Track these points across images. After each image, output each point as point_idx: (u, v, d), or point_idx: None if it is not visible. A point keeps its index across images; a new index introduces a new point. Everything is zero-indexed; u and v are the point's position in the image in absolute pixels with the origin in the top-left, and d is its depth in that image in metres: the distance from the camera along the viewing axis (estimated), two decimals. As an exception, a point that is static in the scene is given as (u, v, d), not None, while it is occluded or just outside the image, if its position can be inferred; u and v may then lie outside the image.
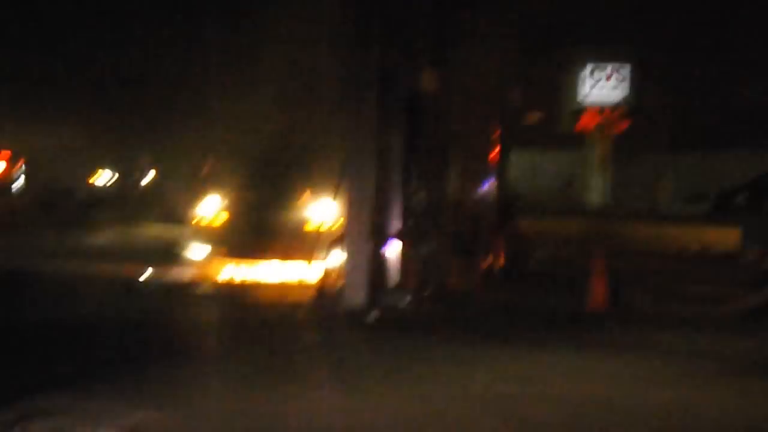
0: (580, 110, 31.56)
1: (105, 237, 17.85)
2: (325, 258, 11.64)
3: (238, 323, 10.24)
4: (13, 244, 16.54)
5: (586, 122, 31.34)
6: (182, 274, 13.40)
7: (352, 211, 11.21)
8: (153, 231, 18.06)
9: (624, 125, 31.23)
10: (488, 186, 14.92)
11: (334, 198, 11.92)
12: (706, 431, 6.49)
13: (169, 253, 14.21)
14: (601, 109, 31.42)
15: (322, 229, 12.16)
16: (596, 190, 31.18)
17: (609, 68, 31.90)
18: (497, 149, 15.12)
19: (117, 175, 31.93)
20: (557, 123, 32.46)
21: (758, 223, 8.90)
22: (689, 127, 32.84)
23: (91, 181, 30.45)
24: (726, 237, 18.06)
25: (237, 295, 12.22)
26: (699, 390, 7.59)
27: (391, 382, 7.64)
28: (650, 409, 7.00)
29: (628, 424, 6.63)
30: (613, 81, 31.79)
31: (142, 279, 13.34)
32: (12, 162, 31.09)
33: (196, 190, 14.06)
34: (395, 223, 11.60)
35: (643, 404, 7.15)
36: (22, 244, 16.60)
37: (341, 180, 11.45)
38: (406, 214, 11.69)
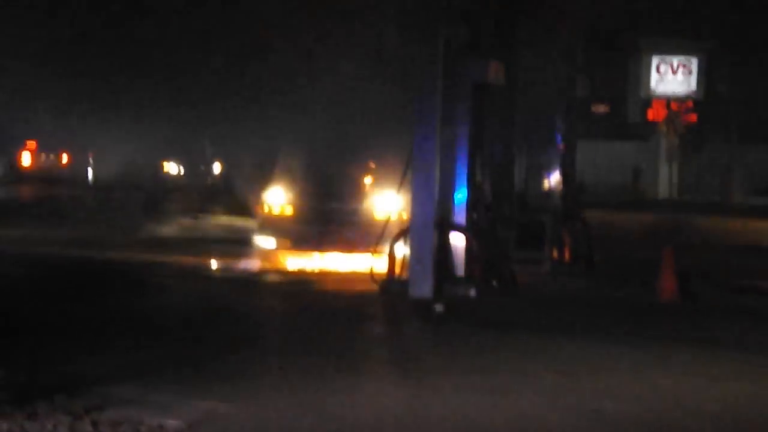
0: (647, 102, 31.13)
1: (174, 228, 18.09)
2: (390, 249, 11.64)
3: (305, 314, 10.29)
4: (85, 235, 16.84)
5: (654, 114, 30.90)
6: (250, 264, 13.52)
7: (417, 202, 11.19)
8: (221, 222, 18.26)
9: (691, 118, 30.72)
10: (553, 179, 14.79)
11: (399, 189, 11.91)
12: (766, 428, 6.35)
13: (237, 244, 14.36)
14: (668, 102, 30.95)
15: (387, 221, 12.15)
16: (664, 182, 30.75)
17: (676, 61, 31.39)
18: (562, 141, 14.98)
19: (183, 167, 32.32)
20: (624, 115, 32.07)
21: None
22: (759, 119, 32.20)
23: (159, 173, 30.87)
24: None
25: (303, 285, 12.28)
26: (760, 385, 7.44)
27: (459, 375, 7.61)
28: (717, 404, 6.88)
29: (695, 418, 6.52)
30: (680, 74, 31.28)
31: (211, 269, 13.49)
32: (79, 154, 31.62)
33: (262, 181, 14.17)
34: (460, 215, 11.55)
35: (710, 399, 7.02)
36: (92, 235, 16.89)
37: (406, 171, 11.43)
38: (472, 206, 11.63)
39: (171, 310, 10.04)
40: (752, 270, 14.87)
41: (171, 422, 6.12)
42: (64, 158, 33.73)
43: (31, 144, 33.11)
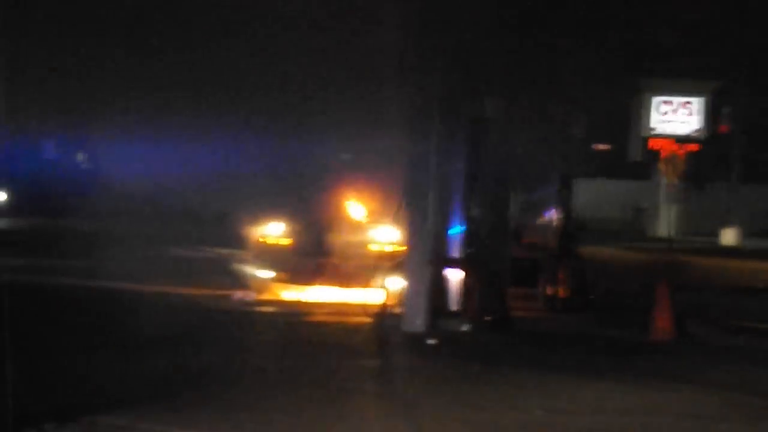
0: (648, 140, 31.25)
1: (168, 257, 18.08)
2: (385, 282, 11.67)
3: (298, 346, 10.30)
4: (70, 264, 16.76)
5: (656, 150, 30.99)
6: (245, 295, 13.54)
7: (413, 236, 11.24)
8: (215, 253, 18.28)
9: (693, 147, 30.72)
10: (551, 215, 14.83)
11: (395, 223, 11.96)
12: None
13: (231, 275, 14.37)
14: (671, 141, 31.05)
15: (382, 254, 12.20)
16: (663, 221, 30.79)
17: (677, 100, 31.55)
18: (561, 178, 15.03)
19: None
20: (625, 152, 32.16)
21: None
22: (761, 160, 32.28)
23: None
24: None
25: (298, 317, 12.30)
26: (751, 426, 7.42)
27: (448, 409, 7.61)
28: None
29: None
30: (680, 113, 31.43)
31: (204, 300, 13.50)
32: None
33: (257, 214, 14.22)
34: (456, 249, 11.59)
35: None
36: (79, 264, 16.81)
37: (401, 205, 11.49)
38: (467, 241, 11.67)
39: (163, 341, 10.04)
40: (748, 311, 14.85)
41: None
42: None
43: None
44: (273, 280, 13.91)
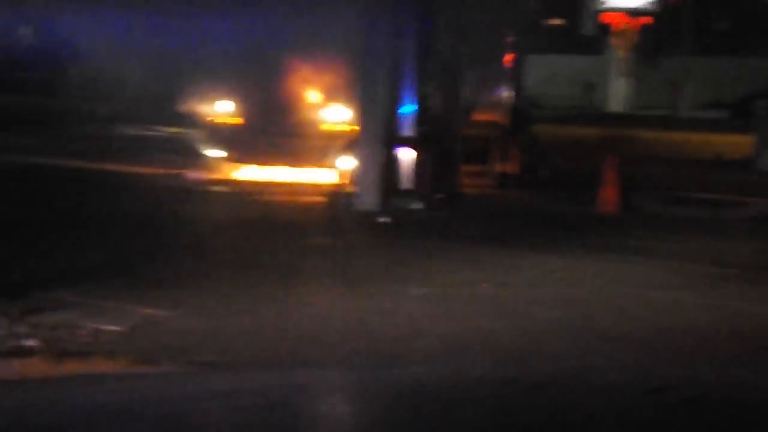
0: (600, 13, 31.12)
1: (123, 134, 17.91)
2: (338, 162, 11.72)
3: (250, 224, 10.38)
4: (17, 141, 16.51)
5: (609, 24, 30.91)
6: (197, 174, 13.53)
7: (365, 115, 11.24)
8: (168, 132, 18.13)
9: (647, 20, 30.72)
10: (503, 92, 14.87)
11: (347, 102, 11.94)
12: (698, 331, 6.60)
13: (183, 154, 14.32)
14: (623, 14, 30.94)
15: (334, 133, 12.20)
16: (616, 96, 30.94)
17: (631, -28, 31.30)
18: (512, 55, 15.01)
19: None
20: (577, 27, 32.06)
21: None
22: (713, 33, 32.35)
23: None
24: (743, 144, 17.99)
25: (250, 196, 12.35)
26: (696, 292, 7.70)
27: (401, 284, 7.78)
28: (648, 311, 7.13)
29: (624, 324, 6.76)
30: (635, -15, 31.22)
31: (158, 179, 13.49)
32: None
33: (210, 92, 14.08)
34: (408, 128, 11.63)
35: (641, 306, 7.27)
36: (28, 142, 16.59)
37: (354, 84, 11.45)
38: (419, 119, 11.71)
39: (115, 219, 10.07)
40: (694, 181, 15.18)
41: (110, 327, 6.22)
42: None
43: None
44: (224, 159, 13.90)
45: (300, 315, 6.78)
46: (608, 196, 11.76)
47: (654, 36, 30.58)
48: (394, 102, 11.39)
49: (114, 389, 4.47)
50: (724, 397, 3.67)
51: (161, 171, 14.01)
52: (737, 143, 18.59)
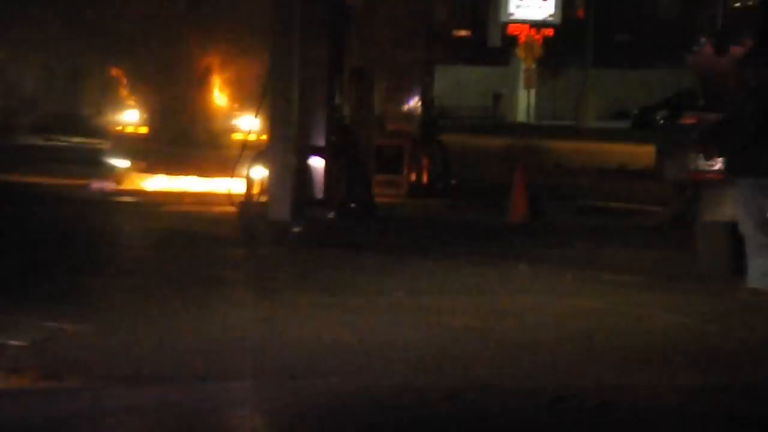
0: (506, 25, 31.61)
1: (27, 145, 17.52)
2: (248, 172, 11.64)
3: (160, 236, 10.23)
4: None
5: (515, 35, 31.42)
6: (103, 185, 13.30)
7: (276, 125, 11.19)
8: (73, 142, 17.81)
9: (548, 32, 31.29)
10: (412, 103, 14.99)
11: (258, 112, 11.87)
12: (603, 337, 6.74)
13: (90, 164, 14.08)
14: (528, 26, 31.50)
15: (245, 143, 12.11)
16: (521, 106, 31.47)
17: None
18: (422, 66, 15.15)
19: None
20: (485, 39, 32.52)
21: (674, 140, 9.16)
22: (614, 44, 33.16)
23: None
24: (645, 154, 18.47)
25: (159, 207, 12.18)
26: (601, 299, 7.87)
27: (314, 294, 7.76)
28: (555, 318, 7.25)
29: (532, 331, 6.86)
30: (539, -1, 31.84)
31: (64, 190, 13.21)
32: None
33: (115, 101, 13.87)
34: (319, 139, 11.61)
35: (550, 313, 7.39)
36: None
37: (265, 94, 11.39)
38: (330, 130, 11.70)
39: (19, 231, 9.82)
40: (599, 191, 15.52)
41: (13, 342, 6.04)
42: None
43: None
44: (132, 169, 13.69)
45: (210, 327, 6.69)
46: (517, 206, 11.94)
47: (557, 48, 31.20)
48: (305, 112, 11.37)
49: (16, 405, 4.34)
50: (628, 403, 3.77)
51: (67, 182, 13.74)
52: (639, 153, 19.06)
